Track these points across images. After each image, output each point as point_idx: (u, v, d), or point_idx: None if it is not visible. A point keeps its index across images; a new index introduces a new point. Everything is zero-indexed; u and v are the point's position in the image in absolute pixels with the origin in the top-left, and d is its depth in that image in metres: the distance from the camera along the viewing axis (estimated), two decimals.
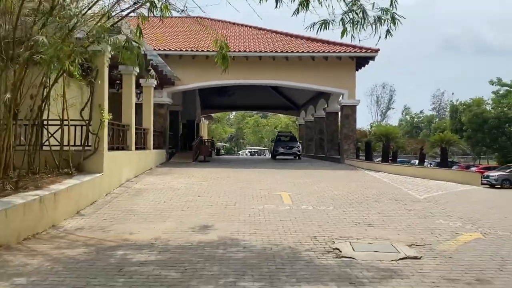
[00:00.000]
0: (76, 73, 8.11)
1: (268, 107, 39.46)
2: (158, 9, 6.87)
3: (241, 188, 12.05)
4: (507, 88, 40.40)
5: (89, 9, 7.88)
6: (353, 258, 5.76)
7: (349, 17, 6.61)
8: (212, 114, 44.58)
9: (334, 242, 6.62)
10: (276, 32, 23.59)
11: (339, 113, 23.07)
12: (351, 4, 6.58)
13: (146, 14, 7.19)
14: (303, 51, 19.92)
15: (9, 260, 5.54)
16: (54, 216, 7.72)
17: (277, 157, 26.04)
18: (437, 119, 68.94)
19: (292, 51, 19.79)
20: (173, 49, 19.12)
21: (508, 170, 30.06)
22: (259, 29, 23.92)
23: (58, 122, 10.03)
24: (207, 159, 21.71)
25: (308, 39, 21.23)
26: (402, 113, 79.95)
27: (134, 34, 7.42)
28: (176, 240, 6.77)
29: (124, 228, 7.60)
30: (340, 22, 6.58)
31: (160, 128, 18.77)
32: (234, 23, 25.54)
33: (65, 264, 5.46)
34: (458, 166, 37.12)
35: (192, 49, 19.40)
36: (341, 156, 21.45)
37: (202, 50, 19.11)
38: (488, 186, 26.09)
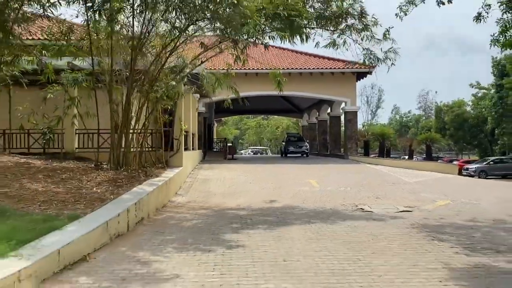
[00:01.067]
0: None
1: (274, 111, 43.13)
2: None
3: (276, 177, 15.77)
4: (484, 90, 44.48)
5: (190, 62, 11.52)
6: (372, 211, 9.49)
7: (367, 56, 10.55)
8: (222, 118, 48.16)
9: (357, 206, 10.31)
10: (288, 50, 27.32)
11: (342, 117, 26.88)
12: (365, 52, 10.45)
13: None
14: (314, 68, 23.73)
15: (164, 218, 9.16)
16: (168, 195, 11.33)
17: (288, 155, 29.81)
18: (424, 118, 73.14)
19: (305, 68, 23.59)
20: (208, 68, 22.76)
21: (485, 163, 34.10)
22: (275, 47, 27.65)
23: (152, 131, 13.68)
24: (234, 157, 25.48)
25: (315, 56, 25.03)
26: (392, 112, 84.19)
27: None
28: (256, 206, 10.40)
29: (215, 201, 11.20)
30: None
31: (198, 132, 22.46)
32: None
33: (202, 217, 9.04)
34: (442, 160, 41.19)
35: (224, 68, 23.04)
36: (345, 153, 25.34)
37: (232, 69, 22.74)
38: (468, 176, 30.02)
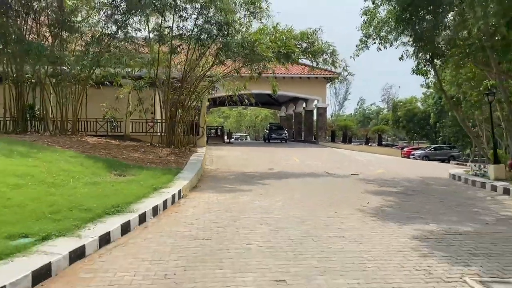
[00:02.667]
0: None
1: (256, 103, 48.47)
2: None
3: (268, 155, 21.34)
4: (431, 90, 51.38)
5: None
6: (334, 174, 15.23)
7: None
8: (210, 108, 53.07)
9: (325, 171, 16.03)
10: None
11: (314, 111, 32.72)
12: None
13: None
14: (295, 73, 29.34)
15: (212, 175, 14.59)
16: (204, 165, 16.74)
17: (271, 140, 35.49)
18: (386, 111, 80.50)
19: (288, 73, 29.15)
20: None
21: (427, 150, 40.94)
22: None
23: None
24: (230, 141, 30.96)
25: (296, 63, 30.52)
26: (357, 104, 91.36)
27: None
28: (262, 171, 15.90)
29: (234, 169, 16.60)
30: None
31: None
32: None
33: (234, 175, 14.47)
34: (396, 147, 48.01)
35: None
36: (316, 139, 31.27)
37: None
38: (414, 159, 36.58)
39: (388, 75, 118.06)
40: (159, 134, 17.67)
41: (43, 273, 4.05)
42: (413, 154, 38.94)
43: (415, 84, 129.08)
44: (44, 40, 14.98)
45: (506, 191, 10.71)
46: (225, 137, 30.85)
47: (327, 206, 8.55)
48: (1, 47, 13.96)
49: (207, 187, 10.86)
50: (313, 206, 8.58)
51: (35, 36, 14.82)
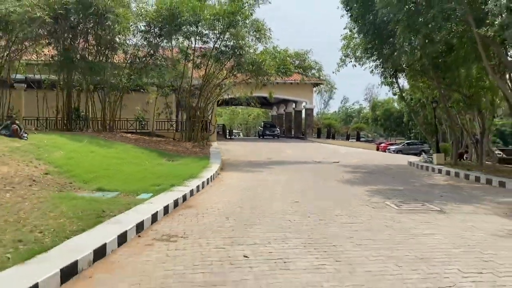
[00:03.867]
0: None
1: (254, 104, 52.67)
2: None
3: (266, 149, 25.47)
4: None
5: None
6: (321, 161, 19.42)
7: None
8: None
9: (313, 160, 20.19)
10: None
11: (303, 111, 36.94)
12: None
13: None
14: (286, 79, 33.38)
15: (228, 163, 18.63)
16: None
17: (265, 137, 39.59)
18: (366, 109, 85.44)
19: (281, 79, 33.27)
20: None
21: (401, 145, 45.55)
22: None
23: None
24: (232, 138, 35.00)
25: None
26: (341, 102, 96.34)
27: None
28: (264, 160, 19.96)
29: (242, 158, 20.56)
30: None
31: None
32: None
33: (245, 163, 18.50)
34: (374, 142, 52.62)
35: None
36: (305, 136, 35.51)
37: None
38: (390, 153, 41.14)
39: (371, 75, 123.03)
40: (178, 131, 21.59)
41: (186, 197, 8.14)
42: (389, 149, 43.51)
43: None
44: (97, 58, 18.77)
45: (439, 171, 15.07)
46: (227, 134, 34.96)
47: (316, 178, 12.70)
48: (68, 62, 17.68)
49: (230, 169, 14.89)
50: (307, 178, 12.70)
51: (92, 55, 18.64)
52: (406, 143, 46.01)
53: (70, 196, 6.95)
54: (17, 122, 12.89)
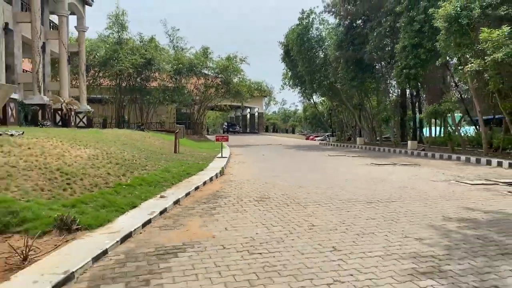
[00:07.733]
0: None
1: (214, 108, 64.60)
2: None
3: (235, 139, 37.98)
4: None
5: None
6: (271, 145, 32.35)
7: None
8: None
9: (266, 143, 33.04)
10: None
11: (255, 115, 49.91)
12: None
13: None
14: None
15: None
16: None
17: (229, 132, 51.78)
18: (299, 111, 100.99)
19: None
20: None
21: (323, 136, 60.39)
22: None
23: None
24: (208, 133, 46.97)
25: None
26: (280, 103, 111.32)
27: None
28: (241, 144, 32.45)
29: (226, 143, 32.95)
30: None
31: None
32: None
33: (230, 145, 30.85)
34: (304, 134, 67.14)
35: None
36: (258, 131, 48.46)
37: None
38: (313, 141, 55.53)
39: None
40: (185, 129, 33.40)
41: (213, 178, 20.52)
42: (315, 139, 58.17)
43: None
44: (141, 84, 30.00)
45: (331, 145, 28.81)
46: (207, 131, 47.06)
47: (270, 149, 25.45)
48: (127, 86, 28.82)
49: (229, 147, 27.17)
50: (266, 150, 25.43)
51: (137, 82, 29.95)
52: (327, 135, 60.96)
53: (182, 162, 18.99)
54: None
